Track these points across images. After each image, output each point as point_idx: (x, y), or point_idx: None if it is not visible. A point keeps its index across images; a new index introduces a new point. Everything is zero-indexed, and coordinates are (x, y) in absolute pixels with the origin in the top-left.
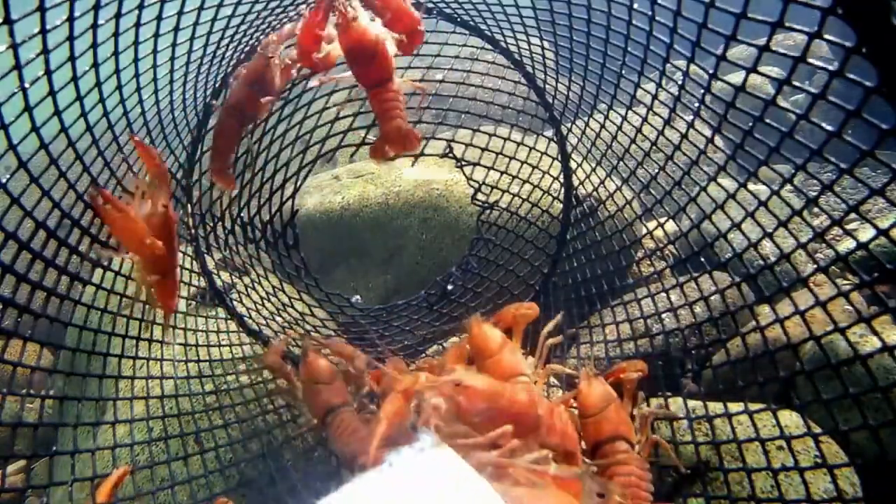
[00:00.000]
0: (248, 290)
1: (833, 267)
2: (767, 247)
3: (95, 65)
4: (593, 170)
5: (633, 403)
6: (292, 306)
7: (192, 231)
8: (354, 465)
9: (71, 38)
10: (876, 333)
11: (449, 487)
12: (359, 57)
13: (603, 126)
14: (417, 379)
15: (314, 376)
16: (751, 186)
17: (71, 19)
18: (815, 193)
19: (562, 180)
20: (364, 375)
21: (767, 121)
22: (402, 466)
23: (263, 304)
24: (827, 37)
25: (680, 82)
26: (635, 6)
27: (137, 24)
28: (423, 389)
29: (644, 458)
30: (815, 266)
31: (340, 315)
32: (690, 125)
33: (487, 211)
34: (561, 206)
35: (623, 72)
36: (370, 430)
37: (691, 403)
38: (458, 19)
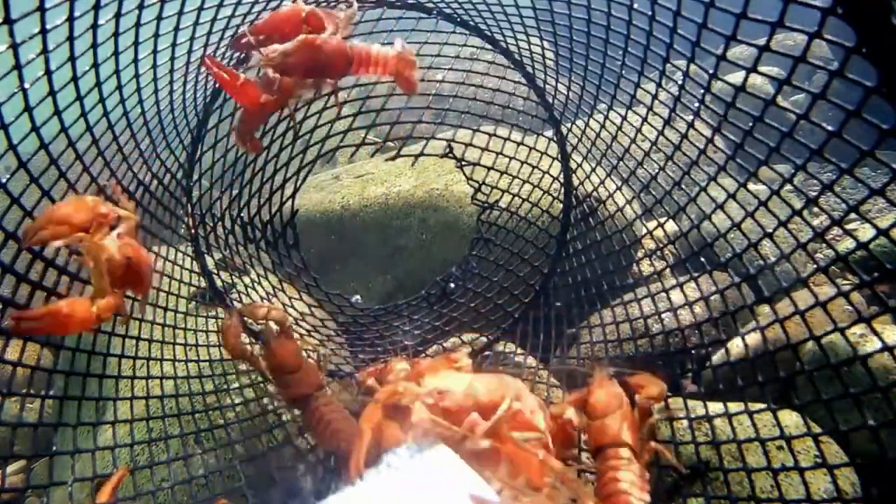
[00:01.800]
0: (248, 290)
1: (833, 267)
2: (767, 247)
3: (95, 65)
4: (593, 170)
5: (642, 419)
6: (292, 306)
7: (192, 231)
8: (337, 448)
9: (71, 38)
10: (876, 333)
11: (447, 486)
12: (316, 74)
13: (603, 126)
14: (395, 390)
15: (282, 367)
16: (751, 186)
17: (71, 19)
18: (815, 193)
19: (562, 180)
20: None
21: (767, 121)
22: (401, 467)
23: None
24: (827, 37)
25: (680, 82)
26: (635, 6)
27: (137, 25)
28: (409, 402)
29: (644, 467)
30: (815, 266)
31: (340, 315)
32: (690, 125)
33: (487, 211)
34: (561, 206)
35: (623, 72)
36: (354, 444)
37: (691, 403)
38: (458, 19)
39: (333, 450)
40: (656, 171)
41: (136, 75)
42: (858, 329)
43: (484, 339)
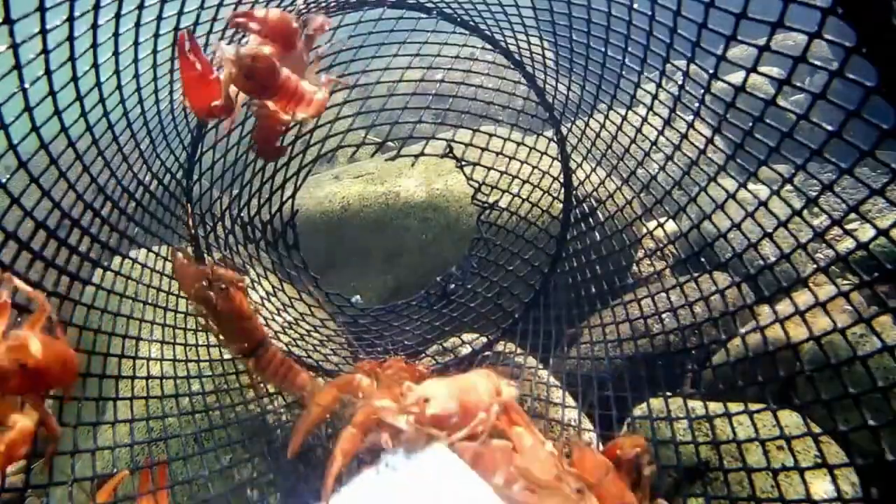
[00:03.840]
0: (248, 290)
1: (833, 267)
2: (767, 247)
3: (95, 65)
4: (593, 170)
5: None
6: (292, 306)
7: (192, 231)
8: (297, 389)
9: (71, 38)
10: (876, 333)
11: (446, 484)
12: (264, 91)
13: (603, 126)
14: (373, 408)
15: (236, 314)
16: (751, 186)
17: (71, 19)
18: (815, 193)
19: (562, 180)
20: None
21: (767, 121)
22: (399, 467)
23: (263, 305)
24: (827, 37)
25: (680, 82)
26: (635, 6)
27: (137, 25)
28: (394, 416)
29: None
30: (815, 266)
31: (340, 315)
32: (690, 125)
33: (487, 211)
34: (561, 206)
35: (623, 72)
36: (326, 467)
37: (691, 403)
38: (458, 19)
39: (295, 391)
40: (656, 171)
41: (137, 75)
42: (858, 329)
43: (484, 339)
